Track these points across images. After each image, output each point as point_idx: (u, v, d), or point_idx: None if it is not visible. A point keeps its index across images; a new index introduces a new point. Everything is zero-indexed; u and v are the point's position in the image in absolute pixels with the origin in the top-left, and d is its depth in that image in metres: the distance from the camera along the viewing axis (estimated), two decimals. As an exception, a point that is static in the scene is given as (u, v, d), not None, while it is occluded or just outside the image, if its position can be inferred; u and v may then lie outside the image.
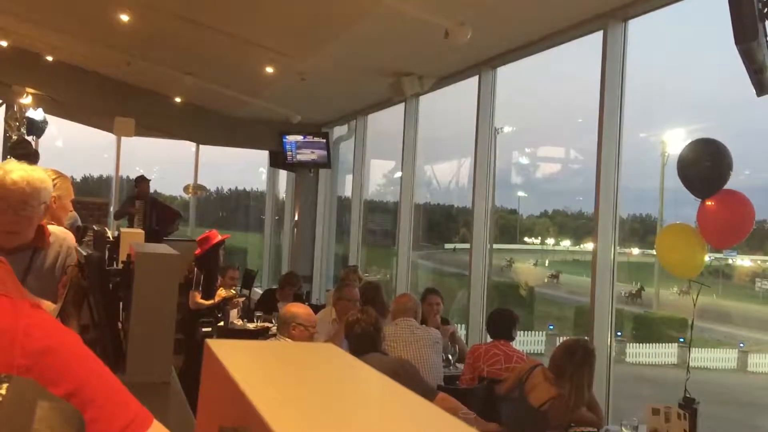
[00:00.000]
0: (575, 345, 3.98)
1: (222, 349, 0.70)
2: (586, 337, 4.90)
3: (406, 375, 3.71)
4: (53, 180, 3.13)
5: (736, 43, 3.27)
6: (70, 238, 2.99)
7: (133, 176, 10.51)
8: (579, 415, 3.84)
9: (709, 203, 4.07)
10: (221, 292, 6.60)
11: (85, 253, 2.46)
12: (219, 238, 6.59)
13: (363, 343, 3.94)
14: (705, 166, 4.06)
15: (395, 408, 0.58)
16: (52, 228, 2.89)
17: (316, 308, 6.84)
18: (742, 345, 17.35)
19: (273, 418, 0.49)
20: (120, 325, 2.59)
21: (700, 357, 15.56)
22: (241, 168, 17.11)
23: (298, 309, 4.60)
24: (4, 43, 9.51)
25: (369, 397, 0.62)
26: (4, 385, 0.74)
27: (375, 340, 4.01)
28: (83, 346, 0.99)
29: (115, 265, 3.47)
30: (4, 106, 10.74)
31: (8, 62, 9.71)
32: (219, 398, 0.66)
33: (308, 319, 4.47)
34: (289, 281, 7.48)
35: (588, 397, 3.90)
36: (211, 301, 6.47)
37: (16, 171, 2.53)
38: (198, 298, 6.32)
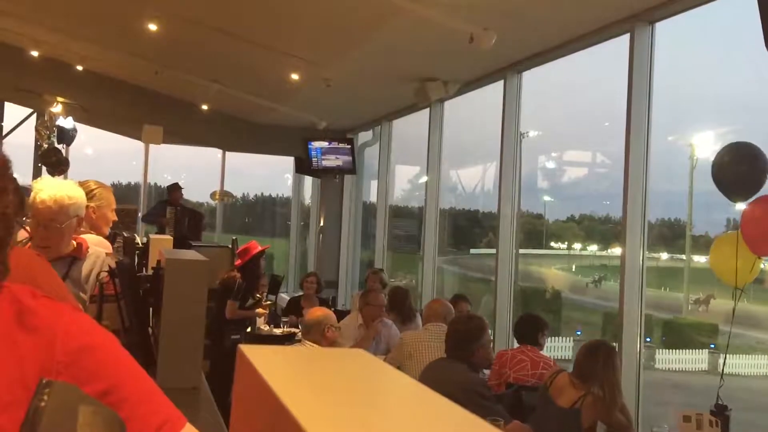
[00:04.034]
0: (596, 345, 3.98)
1: (255, 354, 0.71)
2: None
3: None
4: (93, 190, 3.21)
5: (767, 45, 3.23)
6: (105, 249, 3.04)
7: (161, 183, 10.66)
8: (617, 421, 3.81)
9: (752, 208, 3.95)
10: (261, 310, 6.66)
11: (115, 260, 2.50)
12: (259, 248, 6.68)
13: None
14: (741, 170, 3.96)
15: (429, 413, 0.58)
16: (91, 238, 2.95)
17: (343, 314, 6.87)
18: (774, 351, 17.04)
19: (309, 424, 0.50)
20: (150, 330, 2.63)
21: (731, 363, 15.28)
22: (266, 174, 17.24)
23: (326, 311, 4.82)
24: (36, 54, 9.68)
25: (402, 403, 0.63)
26: (46, 391, 0.76)
27: None
28: (120, 347, 1.02)
29: (144, 271, 3.51)
30: (35, 114, 10.94)
31: (39, 72, 9.88)
32: (253, 404, 0.67)
33: (335, 320, 4.75)
34: (307, 277, 7.66)
35: (621, 399, 3.88)
36: (248, 313, 6.53)
37: (45, 190, 2.70)
38: (236, 308, 6.38)
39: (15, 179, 1.87)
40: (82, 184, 3.22)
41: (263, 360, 0.69)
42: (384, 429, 0.54)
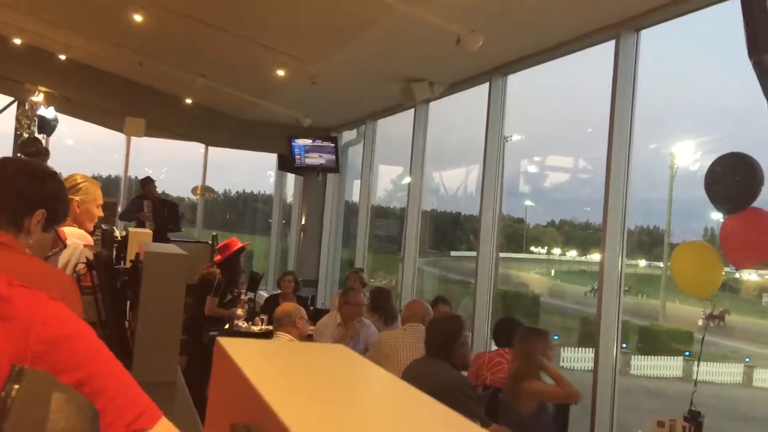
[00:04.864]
0: (520, 331, 4.20)
1: (233, 347, 0.70)
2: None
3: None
4: (79, 184, 3.17)
5: (749, 55, 3.26)
6: (84, 241, 3.01)
7: (142, 176, 10.55)
8: (535, 387, 3.88)
9: (733, 220, 3.94)
10: (240, 311, 6.69)
11: (93, 252, 2.47)
12: (239, 245, 6.70)
13: None
14: (735, 181, 3.94)
15: (407, 406, 0.58)
16: (70, 230, 2.92)
17: (322, 312, 6.86)
18: (748, 360, 17.24)
19: (287, 415, 0.49)
20: (126, 324, 2.60)
21: (705, 371, 15.46)
22: (249, 170, 17.19)
23: (295, 305, 5.32)
24: (18, 41, 9.56)
25: (381, 396, 0.62)
26: (19, 378, 0.75)
27: None
28: (97, 339, 1.01)
29: (122, 264, 3.48)
30: (16, 103, 10.80)
31: (21, 60, 9.76)
32: (230, 396, 0.66)
33: (305, 312, 5.20)
34: (285, 276, 7.66)
35: (535, 366, 3.95)
36: (227, 312, 6.53)
37: None
38: (215, 305, 6.37)
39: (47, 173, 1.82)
40: (69, 177, 3.19)
41: (242, 353, 0.68)
42: (363, 422, 0.53)
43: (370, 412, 0.58)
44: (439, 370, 3.90)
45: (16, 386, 0.73)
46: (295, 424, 0.48)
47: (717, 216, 4.17)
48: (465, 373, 5.11)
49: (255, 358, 0.68)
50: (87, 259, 2.63)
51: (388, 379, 0.64)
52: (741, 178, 3.87)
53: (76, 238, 2.96)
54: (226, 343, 0.71)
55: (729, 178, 3.91)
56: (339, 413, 0.54)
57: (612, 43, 5.09)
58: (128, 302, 2.67)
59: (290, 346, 0.81)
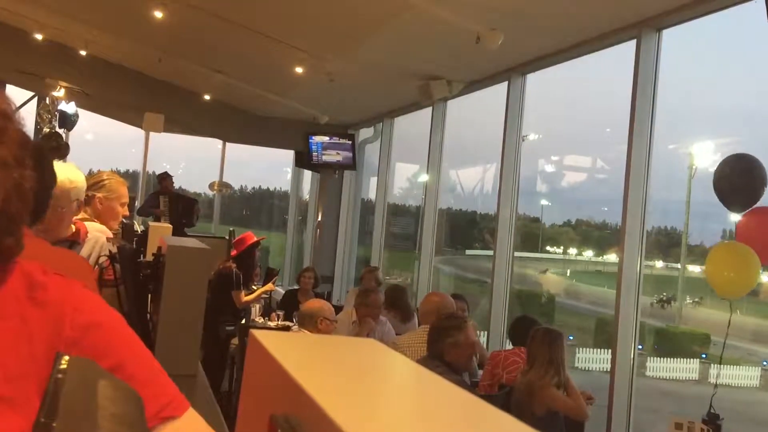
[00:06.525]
0: (537, 330, 4.16)
1: (269, 340, 0.70)
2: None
3: None
4: (104, 180, 3.16)
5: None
6: (106, 235, 3.02)
7: (159, 172, 10.63)
8: (551, 395, 3.87)
9: (748, 219, 4.00)
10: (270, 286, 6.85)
11: (117, 245, 2.50)
12: (254, 239, 6.77)
13: None
14: (740, 180, 3.99)
15: (450, 399, 0.58)
16: (91, 225, 2.93)
17: (337, 309, 6.87)
18: (765, 363, 17.08)
19: (328, 405, 0.50)
20: (148, 316, 2.63)
21: (721, 373, 15.33)
22: (265, 167, 17.27)
23: (322, 304, 5.04)
24: (39, 37, 9.65)
25: (420, 388, 0.63)
26: (64, 360, 0.76)
27: None
28: (128, 327, 1.02)
29: (142, 258, 3.50)
30: (36, 98, 10.91)
31: (43, 55, 9.85)
32: (266, 388, 0.67)
33: (332, 313, 4.96)
34: (304, 272, 7.69)
35: (562, 378, 3.95)
36: (253, 296, 6.64)
37: None
38: (243, 297, 6.46)
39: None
40: (95, 174, 3.20)
41: (277, 345, 0.69)
42: (397, 409, 0.54)
43: (410, 403, 0.58)
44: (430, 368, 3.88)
45: (63, 369, 0.74)
46: (338, 414, 0.49)
47: (736, 218, 4.19)
48: (480, 373, 5.13)
49: (291, 351, 0.68)
50: (109, 251, 2.66)
51: (424, 373, 0.64)
52: (745, 178, 3.95)
53: (97, 232, 2.99)
54: (261, 335, 0.72)
55: (735, 178, 4.00)
56: (382, 404, 0.55)
57: (632, 43, 5.06)
58: (149, 295, 2.69)
59: (323, 340, 0.82)
